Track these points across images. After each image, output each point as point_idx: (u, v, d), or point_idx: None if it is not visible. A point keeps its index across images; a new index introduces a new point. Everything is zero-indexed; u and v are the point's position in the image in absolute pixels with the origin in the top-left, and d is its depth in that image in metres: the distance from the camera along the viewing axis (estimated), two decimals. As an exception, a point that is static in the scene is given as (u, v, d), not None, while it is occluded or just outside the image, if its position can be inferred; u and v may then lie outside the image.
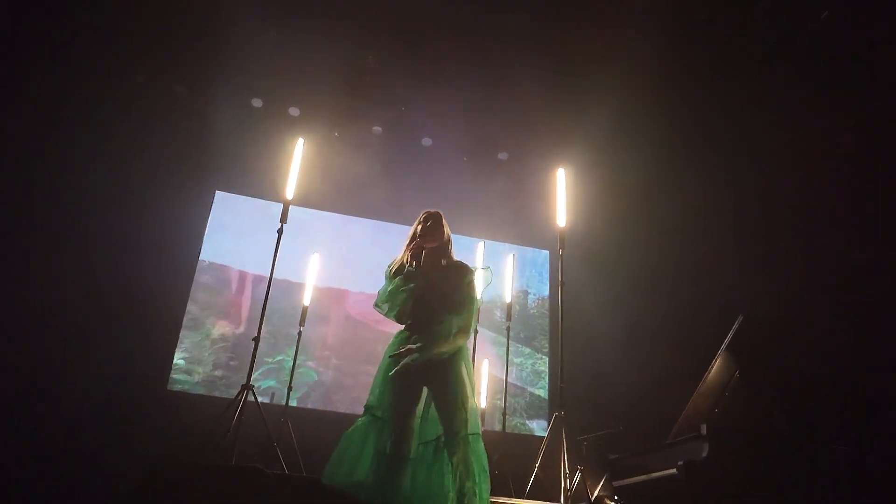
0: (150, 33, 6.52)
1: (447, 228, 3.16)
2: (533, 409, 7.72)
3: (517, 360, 7.82)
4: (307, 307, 6.00)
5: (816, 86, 5.96)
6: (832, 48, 5.66)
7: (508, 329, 5.79)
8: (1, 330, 5.96)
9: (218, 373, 7.06)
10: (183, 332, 7.09)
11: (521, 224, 8.11)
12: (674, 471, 3.15)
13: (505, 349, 5.81)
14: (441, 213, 3.18)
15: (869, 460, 3.21)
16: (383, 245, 8.07)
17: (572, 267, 5.00)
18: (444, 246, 3.12)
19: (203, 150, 7.31)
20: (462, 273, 3.04)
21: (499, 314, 7.68)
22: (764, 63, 6.13)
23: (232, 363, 7.12)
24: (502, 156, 8.03)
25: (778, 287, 5.86)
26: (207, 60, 6.76)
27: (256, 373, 6.39)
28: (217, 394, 6.87)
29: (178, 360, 6.98)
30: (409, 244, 3.08)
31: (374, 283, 3.14)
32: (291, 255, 7.52)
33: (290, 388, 5.68)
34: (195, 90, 7.20)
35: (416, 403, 2.88)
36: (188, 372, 6.98)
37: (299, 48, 6.64)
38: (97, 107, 6.85)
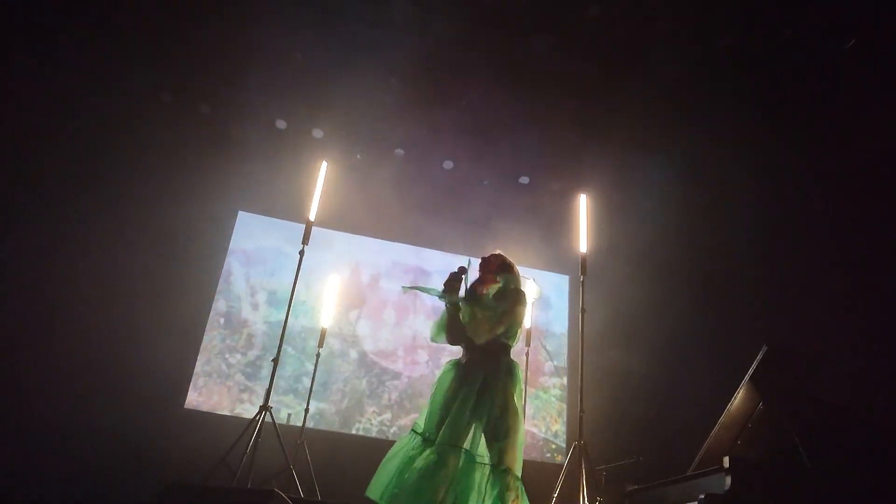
0: (177, 53, 6.64)
1: None
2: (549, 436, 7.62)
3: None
4: (326, 329, 6.00)
5: (844, 112, 5.92)
6: (859, 75, 5.62)
7: (528, 354, 5.73)
8: (20, 345, 6.05)
9: (236, 391, 7.07)
10: (202, 351, 7.12)
11: (542, 248, 8.02)
12: (695, 504, 3.08)
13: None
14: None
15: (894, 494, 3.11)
16: (399, 269, 8.09)
17: (591, 293, 4.94)
18: None
19: (227, 171, 7.40)
20: None
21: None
22: (789, 88, 6.10)
23: (250, 383, 7.13)
24: (523, 180, 8.02)
25: (803, 317, 5.77)
26: (233, 81, 6.87)
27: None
28: (234, 413, 6.88)
29: (196, 378, 7.00)
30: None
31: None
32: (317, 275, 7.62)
33: (307, 410, 5.66)
34: (220, 110, 7.31)
35: None
36: (206, 390, 7.00)
37: (323, 70, 6.73)
38: (123, 125, 6.98)
